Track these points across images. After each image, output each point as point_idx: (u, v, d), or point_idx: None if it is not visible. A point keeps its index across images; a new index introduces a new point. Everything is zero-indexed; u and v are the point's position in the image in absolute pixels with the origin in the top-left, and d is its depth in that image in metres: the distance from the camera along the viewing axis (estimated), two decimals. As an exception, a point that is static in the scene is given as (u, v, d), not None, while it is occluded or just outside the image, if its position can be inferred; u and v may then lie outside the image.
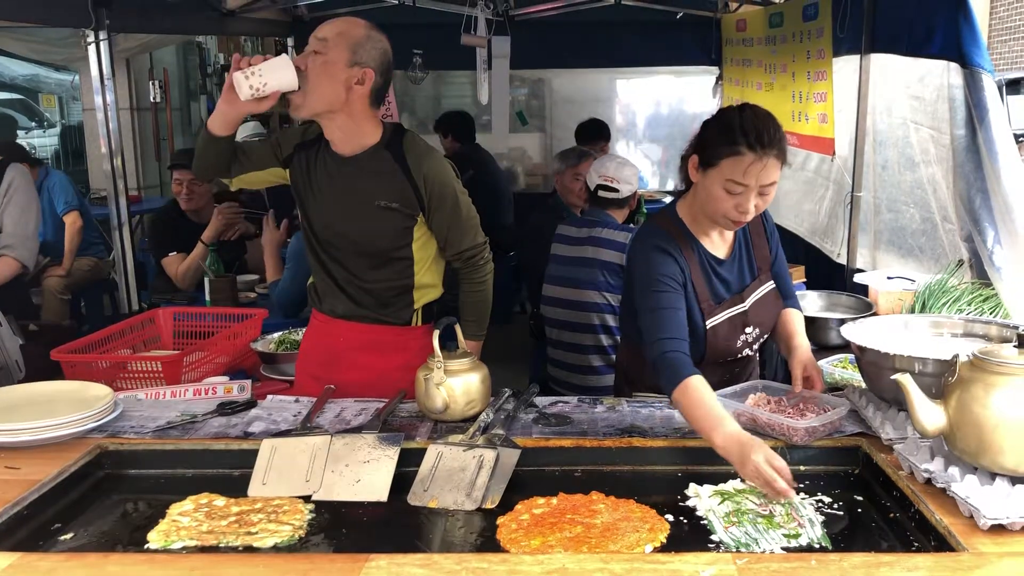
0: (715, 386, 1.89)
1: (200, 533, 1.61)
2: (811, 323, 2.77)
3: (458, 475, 1.77)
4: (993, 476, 1.61)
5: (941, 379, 1.71)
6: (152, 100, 7.64)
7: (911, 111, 3.44)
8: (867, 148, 3.89)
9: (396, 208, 2.22)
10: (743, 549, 1.54)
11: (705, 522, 1.65)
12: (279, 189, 2.59)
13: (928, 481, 1.67)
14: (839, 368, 2.58)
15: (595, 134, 5.55)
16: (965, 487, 1.58)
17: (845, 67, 3.87)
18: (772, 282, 2.28)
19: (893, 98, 3.64)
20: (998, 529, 1.50)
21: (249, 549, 1.57)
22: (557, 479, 1.84)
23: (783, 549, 1.54)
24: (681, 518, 1.67)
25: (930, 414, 1.64)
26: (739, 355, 2.26)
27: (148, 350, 2.98)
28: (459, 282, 2.39)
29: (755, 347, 2.29)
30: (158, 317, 3.11)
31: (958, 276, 2.96)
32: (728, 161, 1.98)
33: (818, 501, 1.74)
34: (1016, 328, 2.03)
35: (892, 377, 1.70)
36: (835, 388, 2.26)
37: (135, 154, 7.45)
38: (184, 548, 1.57)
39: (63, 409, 1.95)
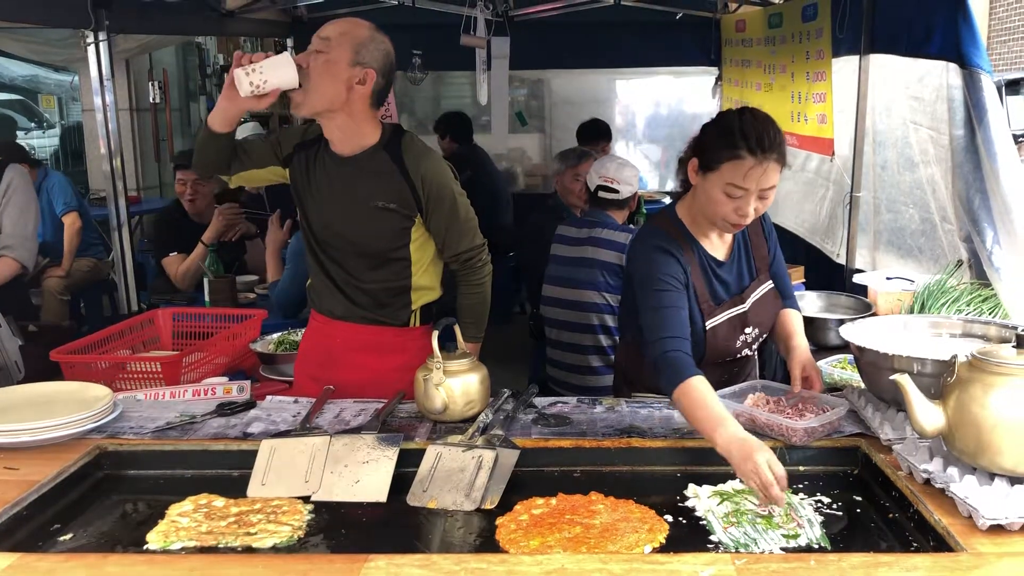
0: (714, 386, 1.89)
1: (199, 534, 1.61)
2: (810, 323, 2.78)
3: (457, 476, 1.77)
4: (992, 476, 1.61)
5: (940, 379, 1.71)
6: (151, 101, 7.62)
7: (910, 111, 3.44)
8: (866, 148, 3.90)
9: (394, 209, 2.22)
10: (742, 549, 1.54)
11: (704, 522, 1.65)
12: (279, 189, 2.59)
13: (927, 481, 1.67)
14: (838, 368, 2.58)
15: (596, 134, 5.56)
16: (964, 487, 1.58)
17: (844, 68, 3.87)
18: (771, 282, 2.28)
19: (892, 98, 3.65)
20: (997, 529, 1.50)
21: (248, 550, 1.57)
22: (556, 479, 1.84)
23: (782, 549, 1.54)
24: (680, 518, 1.67)
25: (929, 414, 1.64)
26: (738, 355, 2.26)
27: (147, 351, 2.98)
28: (457, 284, 2.39)
29: (754, 347, 2.29)
30: (157, 318, 3.11)
31: (957, 276, 2.96)
32: (728, 165, 1.98)
33: (817, 501, 1.74)
34: (1015, 328, 2.03)
35: (891, 377, 1.70)
36: (834, 388, 2.26)
37: (134, 155, 7.44)
38: (183, 549, 1.57)
39: (62, 410, 1.95)
